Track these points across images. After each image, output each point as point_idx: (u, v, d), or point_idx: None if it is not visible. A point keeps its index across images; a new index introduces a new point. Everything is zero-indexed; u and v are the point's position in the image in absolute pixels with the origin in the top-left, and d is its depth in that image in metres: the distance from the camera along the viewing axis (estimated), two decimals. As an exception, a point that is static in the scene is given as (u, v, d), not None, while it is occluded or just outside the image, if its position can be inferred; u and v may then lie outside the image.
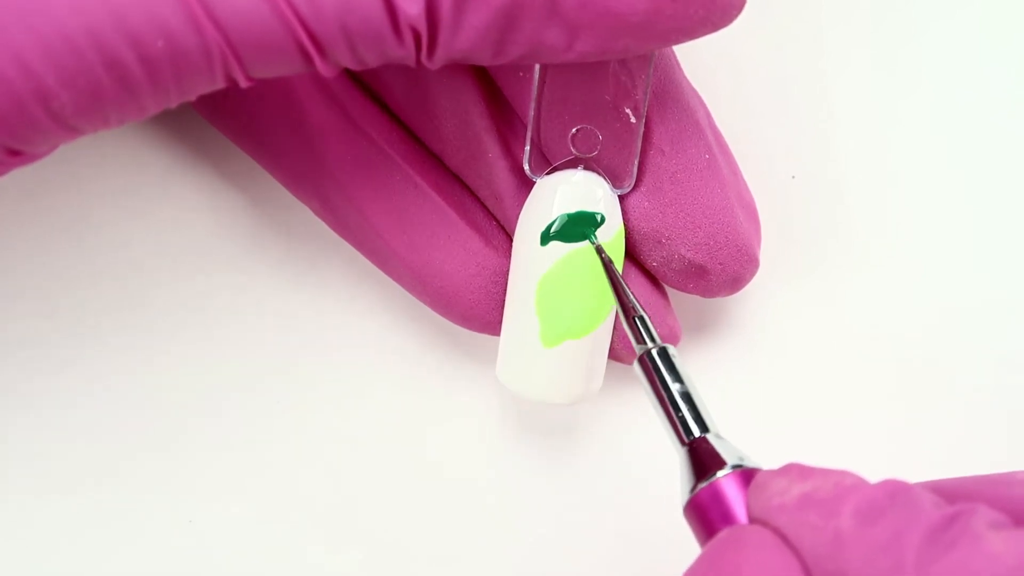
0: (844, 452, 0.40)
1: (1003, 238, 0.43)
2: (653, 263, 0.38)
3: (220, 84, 0.32)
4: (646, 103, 0.37)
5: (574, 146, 0.37)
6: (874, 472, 0.38)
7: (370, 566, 0.41)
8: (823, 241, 0.43)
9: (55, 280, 0.41)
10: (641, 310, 0.36)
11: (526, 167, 0.38)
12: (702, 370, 0.42)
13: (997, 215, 0.43)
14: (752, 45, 0.43)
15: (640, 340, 0.35)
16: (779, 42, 0.43)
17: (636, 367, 0.35)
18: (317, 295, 0.42)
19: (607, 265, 0.37)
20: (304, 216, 0.41)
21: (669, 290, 0.40)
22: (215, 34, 0.30)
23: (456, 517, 0.41)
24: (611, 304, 0.38)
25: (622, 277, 0.37)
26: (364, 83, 0.39)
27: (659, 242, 0.38)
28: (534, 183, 0.38)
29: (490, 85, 0.38)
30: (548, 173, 0.38)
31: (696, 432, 0.33)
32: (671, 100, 0.38)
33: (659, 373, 0.34)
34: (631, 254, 0.39)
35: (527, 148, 0.38)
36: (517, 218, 0.38)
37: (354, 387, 0.42)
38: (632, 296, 0.36)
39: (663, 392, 0.34)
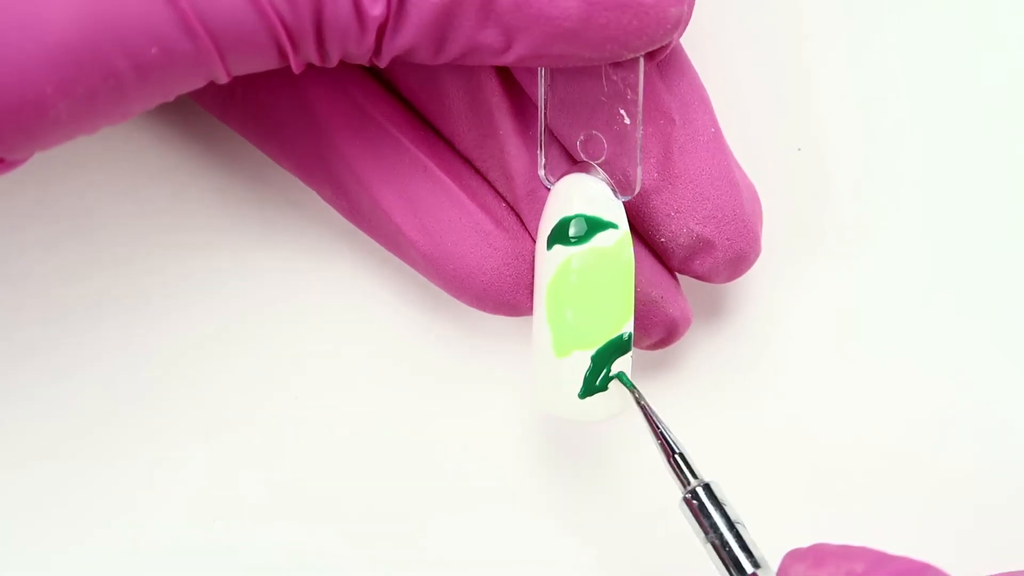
0: (851, 435, 0.42)
1: (1012, 214, 0.42)
2: (661, 239, 0.38)
3: (201, 84, 0.32)
4: (639, 106, 0.36)
5: (584, 152, 0.37)
6: (884, 455, 0.42)
7: (379, 558, 0.41)
8: (825, 225, 0.42)
9: (63, 279, 0.41)
10: (680, 447, 0.36)
11: (541, 173, 0.38)
12: (707, 355, 0.42)
13: (1002, 193, 0.42)
14: (739, 28, 0.42)
15: (683, 480, 0.35)
16: (766, 25, 0.43)
17: (682, 507, 0.35)
18: (328, 289, 0.42)
19: (642, 407, 0.37)
20: (314, 210, 0.41)
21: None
22: (205, 38, 0.31)
23: (469, 510, 0.42)
24: (626, 317, 0.37)
25: (658, 416, 0.36)
26: (371, 66, 0.39)
27: (668, 215, 0.38)
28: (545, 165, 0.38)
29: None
30: (560, 178, 0.37)
31: (748, 568, 0.34)
32: (676, 71, 0.37)
33: (706, 512, 0.35)
34: (639, 231, 0.38)
35: (540, 154, 0.38)
36: (527, 197, 0.38)
37: (369, 378, 0.42)
38: (672, 435, 0.36)
39: (711, 532, 0.34)
